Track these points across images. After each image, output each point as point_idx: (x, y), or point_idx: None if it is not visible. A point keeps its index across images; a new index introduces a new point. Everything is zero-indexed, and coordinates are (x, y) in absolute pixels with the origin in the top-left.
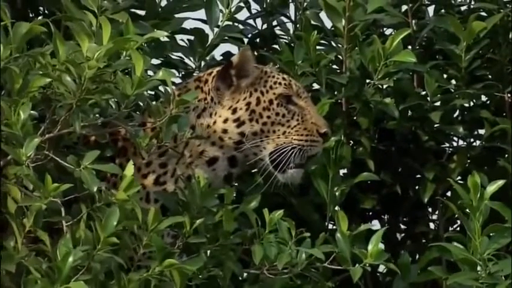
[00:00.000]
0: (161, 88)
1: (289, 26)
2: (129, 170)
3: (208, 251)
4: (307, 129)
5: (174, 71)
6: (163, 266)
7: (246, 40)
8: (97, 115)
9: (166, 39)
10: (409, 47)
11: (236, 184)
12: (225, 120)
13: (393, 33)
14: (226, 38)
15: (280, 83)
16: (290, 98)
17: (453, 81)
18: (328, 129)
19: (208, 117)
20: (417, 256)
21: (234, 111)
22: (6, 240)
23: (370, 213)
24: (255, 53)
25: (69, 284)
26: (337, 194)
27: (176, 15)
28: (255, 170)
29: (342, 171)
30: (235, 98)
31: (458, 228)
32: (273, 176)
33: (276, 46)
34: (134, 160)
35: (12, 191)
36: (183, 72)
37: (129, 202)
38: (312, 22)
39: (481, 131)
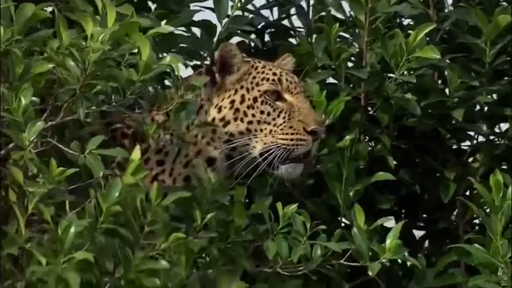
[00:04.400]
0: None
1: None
2: (136, 154)
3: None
4: (293, 128)
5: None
6: (169, 241)
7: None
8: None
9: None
10: (427, 38)
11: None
12: (213, 120)
13: (412, 23)
14: (236, 31)
15: (267, 79)
16: (279, 94)
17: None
18: (317, 126)
19: (204, 115)
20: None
21: (220, 110)
22: (8, 225)
23: (388, 214)
24: (264, 46)
25: (74, 254)
26: (351, 194)
27: (187, 6)
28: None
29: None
30: (220, 95)
31: (477, 230)
32: (272, 173)
33: (289, 38)
34: None
35: (15, 173)
36: (190, 66)
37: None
38: (333, 12)
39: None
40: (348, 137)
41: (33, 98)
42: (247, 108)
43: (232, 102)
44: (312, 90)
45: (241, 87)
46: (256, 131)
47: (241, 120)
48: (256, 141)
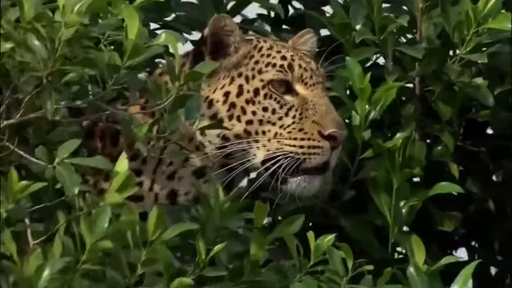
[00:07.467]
0: None
1: None
2: (122, 165)
3: None
4: (304, 131)
5: None
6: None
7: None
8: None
9: None
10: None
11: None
12: (201, 116)
13: None
14: None
15: (274, 65)
16: (289, 85)
17: None
18: (337, 129)
19: None
20: None
21: (210, 104)
22: None
23: (453, 238)
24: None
25: None
26: (403, 211)
27: None
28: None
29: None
30: (211, 85)
31: None
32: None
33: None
34: None
35: None
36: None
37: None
38: None
39: None
40: (399, 135)
41: None
42: (246, 104)
43: (227, 94)
44: (352, 73)
45: (240, 74)
46: (257, 133)
47: (238, 119)
48: (258, 148)
